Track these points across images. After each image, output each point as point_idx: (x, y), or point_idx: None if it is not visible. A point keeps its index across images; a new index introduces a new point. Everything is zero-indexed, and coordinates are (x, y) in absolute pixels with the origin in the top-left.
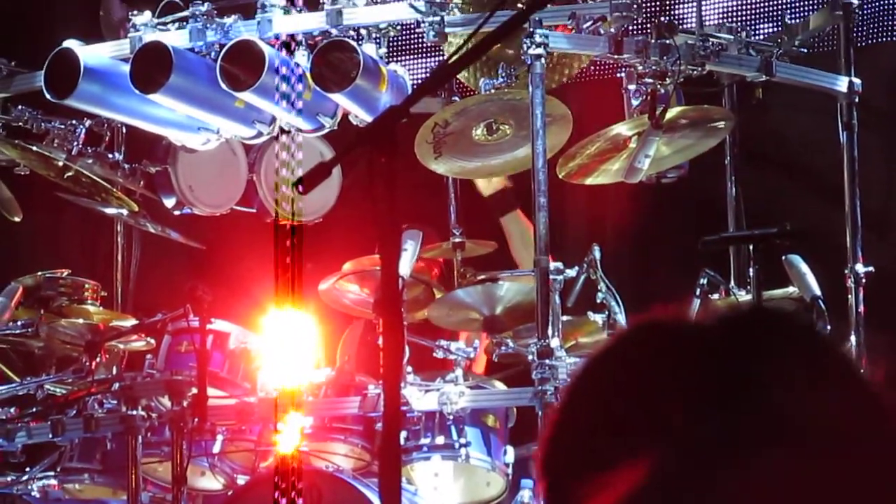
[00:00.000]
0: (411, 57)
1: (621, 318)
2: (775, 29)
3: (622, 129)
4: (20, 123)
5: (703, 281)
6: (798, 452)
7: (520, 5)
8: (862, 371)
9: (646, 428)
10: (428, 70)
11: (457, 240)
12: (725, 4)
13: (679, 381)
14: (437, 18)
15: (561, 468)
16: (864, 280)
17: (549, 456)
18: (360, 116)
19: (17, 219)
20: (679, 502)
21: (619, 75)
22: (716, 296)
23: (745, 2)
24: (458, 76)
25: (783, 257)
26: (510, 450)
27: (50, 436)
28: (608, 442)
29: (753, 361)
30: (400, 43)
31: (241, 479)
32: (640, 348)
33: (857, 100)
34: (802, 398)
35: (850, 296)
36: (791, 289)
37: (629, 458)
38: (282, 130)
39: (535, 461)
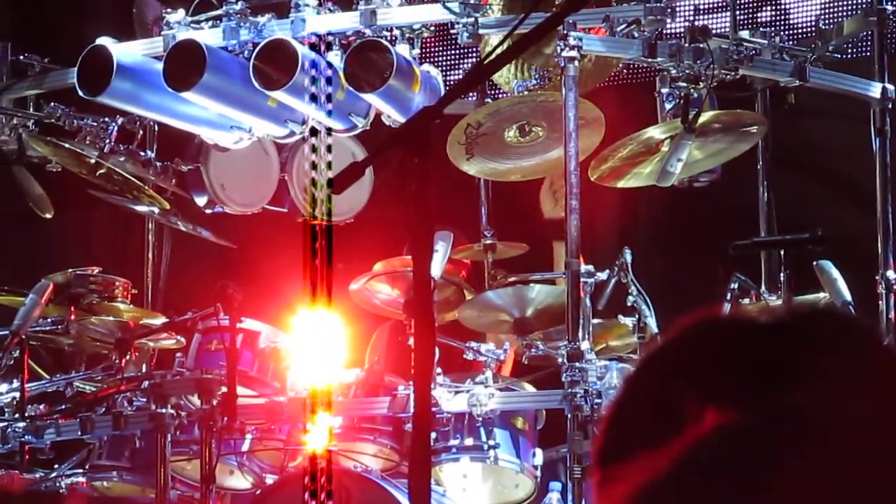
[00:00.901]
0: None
1: (651, 322)
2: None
3: (655, 132)
4: (53, 120)
5: (735, 285)
6: (836, 455)
7: (554, 8)
8: None
9: (687, 416)
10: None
11: (488, 241)
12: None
13: (725, 373)
14: (471, 20)
15: (610, 454)
16: (895, 286)
17: (605, 450)
18: (393, 117)
19: (48, 216)
20: (709, 495)
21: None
22: (746, 300)
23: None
24: (492, 78)
25: (814, 263)
26: (539, 452)
27: (79, 433)
28: (653, 427)
29: (813, 353)
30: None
31: (270, 479)
32: (695, 342)
33: (890, 106)
34: (849, 401)
35: (880, 302)
36: (822, 294)
37: (666, 444)
38: (314, 130)
39: (591, 455)
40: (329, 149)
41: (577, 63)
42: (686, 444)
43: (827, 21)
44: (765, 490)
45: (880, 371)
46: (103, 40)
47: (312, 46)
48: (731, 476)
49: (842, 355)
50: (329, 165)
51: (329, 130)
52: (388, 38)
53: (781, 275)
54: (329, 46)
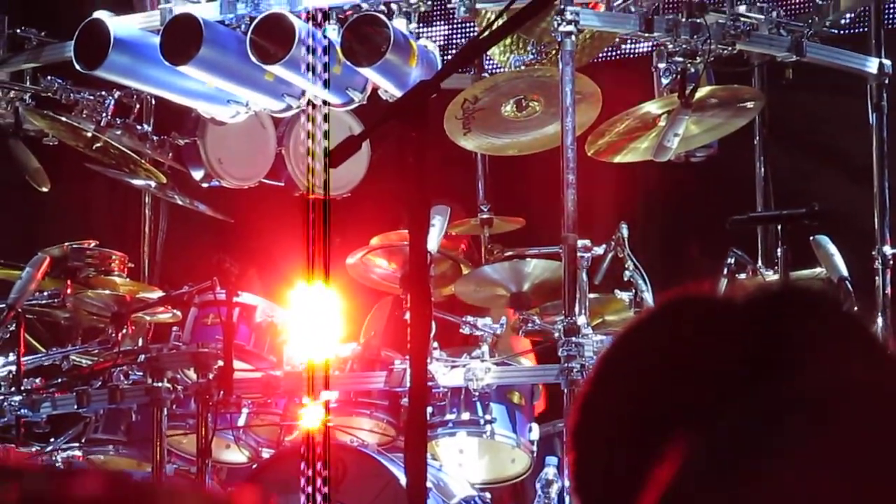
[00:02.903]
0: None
1: (648, 297)
2: None
3: (652, 107)
4: (49, 94)
5: (731, 260)
6: (834, 437)
7: None
8: (891, 350)
9: (676, 409)
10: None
11: (485, 216)
12: None
13: (709, 361)
14: None
15: (591, 442)
16: (891, 262)
17: (580, 430)
18: (390, 91)
19: (45, 189)
20: (713, 487)
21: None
22: (743, 275)
23: None
24: (488, 52)
25: (811, 238)
26: (535, 427)
27: (75, 407)
28: (638, 422)
29: (785, 341)
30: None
31: (266, 453)
32: (671, 326)
33: (887, 81)
34: (837, 380)
35: (877, 277)
36: (818, 269)
37: (659, 441)
38: (311, 104)
39: (567, 432)
40: (326, 122)
41: (573, 38)
42: (679, 445)
43: None
44: (777, 478)
45: (862, 344)
46: (100, 14)
47: (309, 20)
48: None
49: (824, 335)
50: (326, 139)
51: (326, 104)
52: (385, 12)
53: (778, 250)
54: (326, 20)
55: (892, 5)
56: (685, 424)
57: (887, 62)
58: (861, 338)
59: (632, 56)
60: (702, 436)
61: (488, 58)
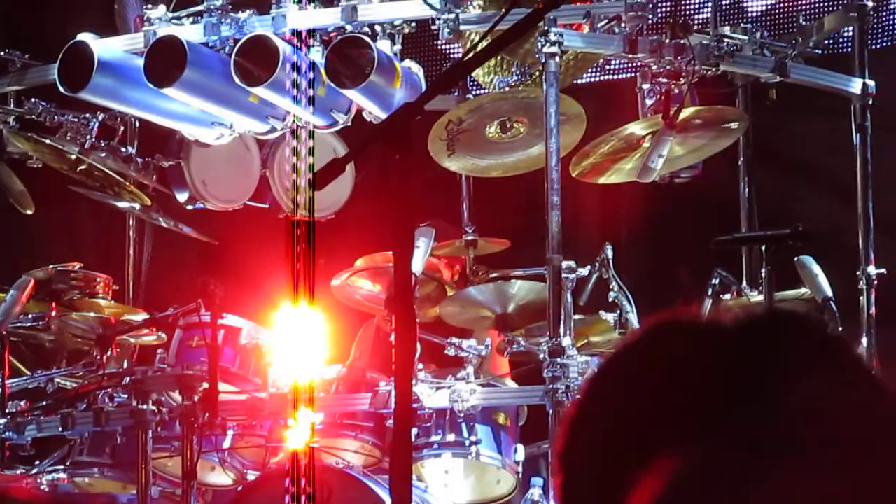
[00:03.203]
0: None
1: (633, 318)
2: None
3: (636, 128)
4: (34, 116)
5: (715, 281)
6: (820, 460)
7: (536, 4)
8: (875, 373)
9: (662, 433)
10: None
11: (469, 237)
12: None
13: (695, 386)
14: (452, 16)
15: (578, 466)
16: (875, 282)
17: (567, 452)
18: (374, 113)
19: (29, 212)
20: None
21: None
22: (728, 296)
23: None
24: (473, 74)
25: (795, 258)
26: (521, 448)
27: (60, 429)
28: (625, 445)
29: (770, 366)
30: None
31: (252, 475)
32: (657, 349)
33: (870, 102)
34: (822, 403)
35: (861, 297)
36: (803, 290)
37: (644, 466)
38: (295, 126)
39: (553, 455)
40: (311, 145)
41: (557, 59)
42: (665, 468)
43: (807, 17)
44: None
45: (846, 368)
46: (84, 36)
47: (293, 42)
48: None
49: (809, 359)
50: (311, 161)
51: (310, 126)
52: (370, 33)
53: (763, 270)
54: (310, 42)
55: (875, 26)
56: (670, 449)
57: (871, 83)
58: (846, 363)
59: (616, 77)
60: (686, 461)
61: (472, 79)
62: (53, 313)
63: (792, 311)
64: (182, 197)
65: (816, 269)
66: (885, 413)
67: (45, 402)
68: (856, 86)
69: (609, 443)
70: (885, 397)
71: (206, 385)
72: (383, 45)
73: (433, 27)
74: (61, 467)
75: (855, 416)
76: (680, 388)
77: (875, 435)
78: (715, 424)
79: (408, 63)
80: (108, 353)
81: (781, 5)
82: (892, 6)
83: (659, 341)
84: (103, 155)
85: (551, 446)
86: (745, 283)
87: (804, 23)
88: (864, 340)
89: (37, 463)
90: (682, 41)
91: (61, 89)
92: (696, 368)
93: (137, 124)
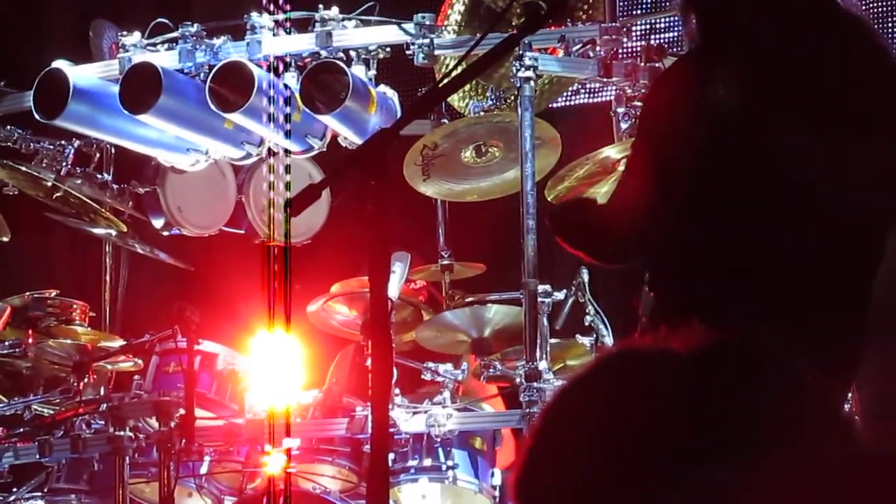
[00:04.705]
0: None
1: (609, 341)
2: None
3: (611, 152)
4: (9, 144)
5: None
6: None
7: (511, 29)
8: (843, 414)
9: (619, 467)
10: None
11: (445, 262)
12: None
13: (650, 420)
14: (427, 41)
15: (535, 496)
16: None
17: (524, 482)
18: (349, 138)
19: (5, 239)
20: None
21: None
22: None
23: None
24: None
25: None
26: (497, 472)
27: (37, 456)
28: (582, 477)
29: (731, 405)
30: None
31: (229, 501)
32: (612, 380)
33: None
34: (786, 448)
35: None
36: None
37: (603, 498)
38: (271, 152)
39: (510, 486)
40: (286, 170)
41: (532, 83)
42: None
43: None
44: None
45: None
46: (59, 63)
47: (268, 68)
48: None
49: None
50: (286, 187)
51: (286, 152)
52: (345, 59)
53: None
54: (285, 68)
55: None
56: (628, 485)
57: None
58: (807, 398)
59: (591, 102)
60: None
61: (446, 104)
62: (30, 340)
63: (749, 340)
64: (158, 223)
65: None
66: (842, 452)
67: (22, 429)
68: None
69: (565, 474)
70: (842, 431)
71: (182, 411)
72: (358, 71)
73: (408, 52)
74: (38, 494)
75: (821, 467)
76: (635, 421)
77: (839, 483)
78: (671, 464)
79: (383, 88)
80: (85, 380)
81: None
82: None
83: (616, 375)
84: (79, 182)
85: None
86: None
87: None
88: None
89: (14, 490)
90: (656, 64)
91: (37, 116)
92: (651, 401)
93: (113, 151)
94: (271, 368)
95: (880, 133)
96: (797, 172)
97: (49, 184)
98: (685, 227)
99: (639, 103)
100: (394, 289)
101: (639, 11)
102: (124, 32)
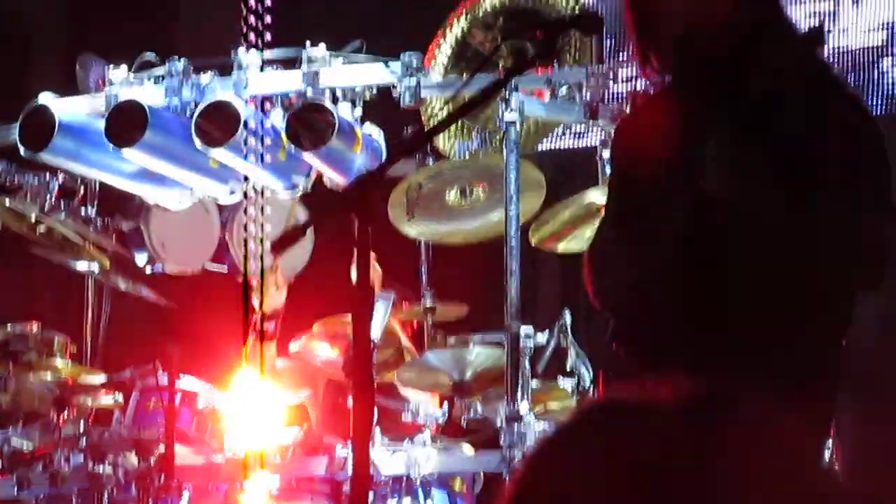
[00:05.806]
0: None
1: (590, 385)
2: None
3: (595, 195)
4: None
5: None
6: None
7: (498, 71)
8: (819, 460)
9: None
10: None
11: (428, 303)
12: None
13: (634, 474)
14: (413, 82)
15: None
16: None
17: None
18: (334, 178)
19: None
20: None
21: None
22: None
23: None
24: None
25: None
26: None
27: (15, 491)
28: None
29: (713, 451)
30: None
31: None
32: (598, 436)
33: None
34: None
35: None
36: None
37: None
38: (255, 190)
39: None
40: (270, 209)
41: (517, 126)
42: None
43: None
44: None
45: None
46: (45, 97)
47: (255, 106)
48: None
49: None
50: (270, 226)
51: (270, 190)
52: (331, 98)
53: None
54: (271, 106)
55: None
56: None
57: None
58: (791, 451)
59: (576, 147)
60: None
61: (432, 144)
62: (10, 373)
63: (727, 393)
64: (141, 259)
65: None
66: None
67: (0, 464)
68: None
69: None
70: (827, 486)
71: (162, 447)
72: (344, 110)
73: (394, 93)
74: None
75: None
76: (619, 474)
77: None
78: None
79: (368, 128)
80: (65, 415)
81: None
82: None
83: (599, 426)
84: (63, 217)
85: None
86: None
87: None
88: None
89: None
90: None
91: (21, 150)
92: (635, 454)
93: (97, 186)
94: (252, 406)
95: (859, 195)
96: (766, 235)
97: (33, 218)
98: (648, 272)
99: None
100: (376, 329)
101: (625, 55)
102: (111, 66)
